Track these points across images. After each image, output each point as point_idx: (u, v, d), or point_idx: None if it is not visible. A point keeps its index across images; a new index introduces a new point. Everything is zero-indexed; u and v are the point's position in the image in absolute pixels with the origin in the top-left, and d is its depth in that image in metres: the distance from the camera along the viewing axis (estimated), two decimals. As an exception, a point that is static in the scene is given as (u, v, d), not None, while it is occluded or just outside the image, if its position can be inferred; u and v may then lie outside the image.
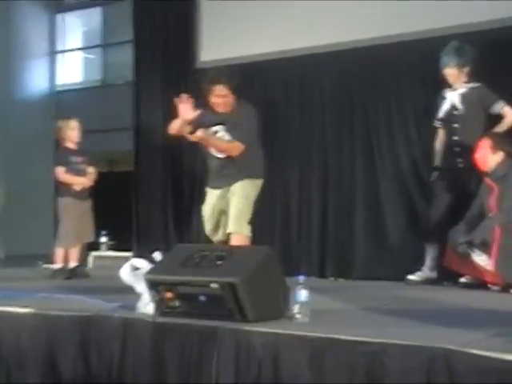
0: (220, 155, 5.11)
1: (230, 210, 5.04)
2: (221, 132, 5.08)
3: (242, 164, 5.06)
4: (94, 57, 11.29)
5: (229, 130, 5.04)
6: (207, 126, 5.06)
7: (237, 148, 5.01)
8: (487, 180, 5.10)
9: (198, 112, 4.95)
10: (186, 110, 4.92)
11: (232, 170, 5.07)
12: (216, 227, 5.20)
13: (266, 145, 5.43)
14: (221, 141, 5.07)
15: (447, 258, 5.16)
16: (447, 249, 5.15)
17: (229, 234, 5.00)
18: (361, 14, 6.27)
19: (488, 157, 5.06)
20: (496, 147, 5.04)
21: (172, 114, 7.35)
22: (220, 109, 5.04)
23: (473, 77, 5.38)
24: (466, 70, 5.34)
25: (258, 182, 5.17)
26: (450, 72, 5.35)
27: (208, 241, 5.34)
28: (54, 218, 7.24)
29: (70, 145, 6.21)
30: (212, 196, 5.22)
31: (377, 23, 6.21)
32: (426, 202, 5.74)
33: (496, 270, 4.82)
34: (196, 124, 5.01)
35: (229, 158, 5.07)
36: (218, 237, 5.21)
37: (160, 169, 7.62)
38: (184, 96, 4.95)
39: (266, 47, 6.75)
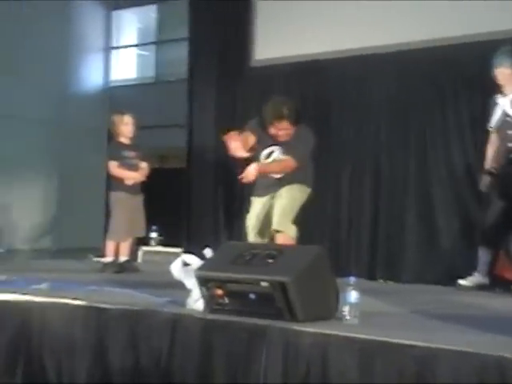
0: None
1: (275, 210, 5.04)
2: (276, 152, 5.13)
3: (291, 174, 5.11)
4: (148, 53, 11.43)
5: (284, 151, 5.08)
6: (263, 147, 5.12)
7: (289, 165, 5.05)
8: None
9: (248, 150, 4.96)
10: (237, 148, 4.87)
11: (281, 180, 5.12)
12: (261, 235, 5.17)
13: (319, 144, 5.42)
14: (274, 164, 5.10)
15: (500, 266, 5.07)
16: (500, 256, 5.06)
17: (273, 234, 5.00)
18: (419, 15, 6.21)
19: None
20: None
21: (225, 112, 7.49)
22: (281, 139, 5.09)
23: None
24: None
25: (307, 189, 5.19)
26: (503, 72, 5.21)
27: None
28: (105, 212, 7.33)
29: (124, 140, 6.26)
30: (257, 204, 5.23)
31: (435, 24, 6.14)
32: (480, 208, 5.65)
33: None
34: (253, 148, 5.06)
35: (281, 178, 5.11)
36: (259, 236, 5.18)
37: (212, 166, 7.65)
38: (233, 133, 4.88)
39: (321, 47, 6.73)
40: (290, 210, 5.06)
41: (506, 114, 5.26)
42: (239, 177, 5.03)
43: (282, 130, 5.04)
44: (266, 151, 5.16)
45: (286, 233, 4.96)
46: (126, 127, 6.23)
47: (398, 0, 6.35)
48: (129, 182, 6.15)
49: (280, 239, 4.95)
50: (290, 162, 5.05)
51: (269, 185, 5.18)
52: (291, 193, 5.09)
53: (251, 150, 5.11)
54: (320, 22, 6.80)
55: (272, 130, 5.06)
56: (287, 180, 5.13)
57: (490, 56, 5.36)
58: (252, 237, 5.23)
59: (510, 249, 4.90)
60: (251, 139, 5.08)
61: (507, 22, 5.75)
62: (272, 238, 5.07)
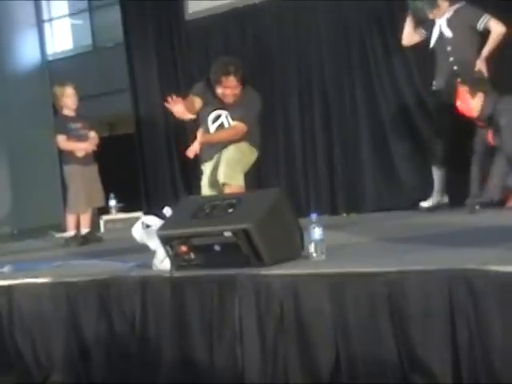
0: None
1: (220, 163, 4.97)
2: (223, 115, 5.07)
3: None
4: (82, 22, 11.18)
5: (232, 115, 5.02)
6: (210, 110, 5.05)
7: (239, 130, 4.99)
8: (478, 123, 5.04)
9: (194, 111, 4.91)
10: (181, 112, 4.78)
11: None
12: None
13: (264, 89, 5.37)
14: (223, 132, 5.03)
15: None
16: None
17: (221, 188, 4.93)
18: None
19: (470, 103, 4.98)
20: (474, 90, 4.95)
21: (167, 71, 7.38)
22: (228, 99, 5.02)
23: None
24: (439, 2, 5.25)
25: (254, 150, 5.11)
26: (433, 15, 5.32)
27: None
28: (62, 187, 7.24)
29: (68, 112, 6.17)
30: (207, 170, 5.12)
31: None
32: (430, 127, 5.68)
33: None
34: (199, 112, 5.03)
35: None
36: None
37: (162, 127, 7.57)
38: (172, 98, 4.73)
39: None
40: (236, 161, 4.98)
41: (442, 33, 5.33)
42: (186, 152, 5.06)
43: (229, 88, 4.97)
44: (212, 114, 5.09)
45: (234, 183, 4.90)
46: (68, 99, 6.13)
47: None
48: (80, 154, 6.07)
49: (228, 191, 4.87)
50: (238, 127, 4.99)
51: (216, 147, 5.08)
52: (237, 146, 5.03)
53: (198, 112, 5.04)
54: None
55: (219, 90, 4.99)
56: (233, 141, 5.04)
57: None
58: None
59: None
60: (197, 102, 5.00)
61: None
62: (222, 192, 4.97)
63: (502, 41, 5.14)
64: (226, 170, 4.91)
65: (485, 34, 5.18)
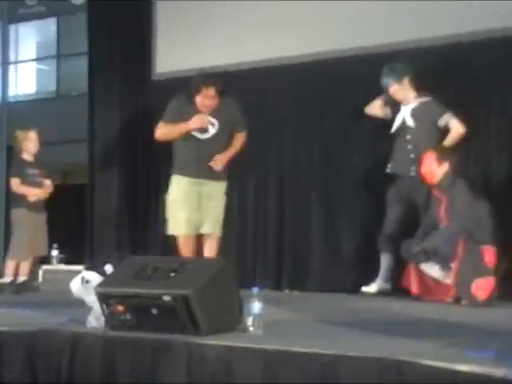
0: (203, 137, 5.45)
1: (210, 211, 5.41)
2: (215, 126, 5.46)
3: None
4: (48, 68, 11.18)
5: (217, 116, 5.44)
6: (189, 117, 5.40)
7: (244, 138, 5.60)
8: (435, 191, 5.18)
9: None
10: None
11: (211, 169, 5.41)
12: (193, 225, 5.40)
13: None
14: (238, 146, 5.55)
15: (406, 279, 5.20)
16: (408, 269, 5.18)
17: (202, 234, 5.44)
18: (316, 27, 6.32)
19: (434, 169, 5.13)
20: (441, 159, 5.11)
21: (127, 126, 7.39)
22: (206, 110, 5.41)
23: (424, 91, 5.47)
24: (406, 81, 5.46)
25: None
26: (392, 90, 5.52)
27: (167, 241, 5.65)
28: (5, 231, 7.10)
29: (27, 156, 6.14)
30: (183, 185, 5.43)
31: (331, 36, 6.26)
32: (380, 213, 5.77)
33: (454, 283, 4.86)
34: (178, 115, 5.45)
35: (216, 145, 5.46)
36: (191, 229, 5.40)
37: (115, 181, 7.53)
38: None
39: (222, 59, 6.72)
40: (222, 214, 5.52)
41: (404, 122, 5.50)
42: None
43: (209, 97, 5.36)
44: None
45: (218, 235, 5.49)
46: (30, 143, 6.12)
47: (294, 12, 6.43)
48: (32, 199, 6.00)
49: (214, 242, 5.46)
50: (245, 135, 5.59)
51: (199, 169, 5.40)
52: (222, 196, 5.52)
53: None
54: (221, 34, 6.80)
55: (199, 99, 5.37)
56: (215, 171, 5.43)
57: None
58: (184, 224, 5.39)
59: (410, 252, 5.02)
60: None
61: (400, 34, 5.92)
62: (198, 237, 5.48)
63: (460, 140, 5.31)
64: (216, 225, 5.46)
65: (445, 130, 5.36)
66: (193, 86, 5.42)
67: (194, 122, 5.39)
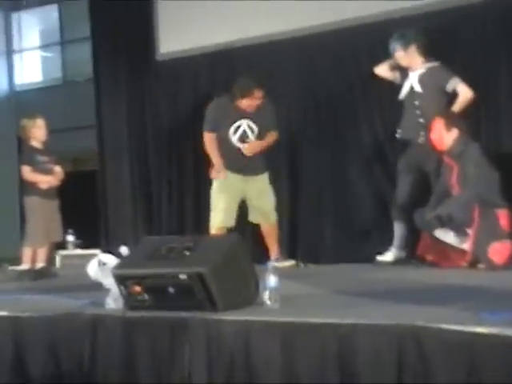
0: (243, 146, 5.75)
1: (265, 201, 5.81)
2: (243, 125, 5.76)
3: (259, 156, 5.82)
4: (52, 55, 11.17)
5: (255, 121, 5.76)
6: (231, 122, 5.74)
7: (275, 137, 5.89)
8: (446, 159, 5.16)
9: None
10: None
11: (253, 162, 5.77)
12: (233, 210, 5.74)
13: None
14: (267, 141, 5.82)
15: (422, 247, 5.21)
16: (423, 237, 5.19)
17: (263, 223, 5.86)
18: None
19: (443, 136, 5.11)
20: (450, 125, 5.09)
21: (135, 110, 7.39)
22: (252, 109, 5.74)
23: (431, 57, 5.44)
24: (413, 49, 5.42)
25: None
26: (398, 56, 5.48)
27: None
28: (20, 219, 7.15)
29: (36, 144, 6.15)
30: (228, 177, 5.72)
31: (337, 6, 6.21)
32: (392, 182, 5.77)
33: (472, 249, 4.86)
34: (218, 121, 5.75)
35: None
36: (230, 221, 5.70)
37: (126, 165, 7.56)
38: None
39: (227, 36, 6.72)
40: (273, 202, 5.87)
41: (412, 88, 5.47)
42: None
43: (258, 99, 5.69)
44: (233, 128, 5.74)
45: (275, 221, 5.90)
46: (38, 131, 6.12)
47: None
48: (43, 186, 6.03)
49: (274, 228, 5.89)
50: (275, 135, 5.87)
51: (242, 163, 5.74)
52: (269, 188, 5.86)
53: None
54: (224, 11, 6.77)
55: (247, 102, 5.67)
56: (257, 163, 5.80)
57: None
58: (222, 215, 5.71)
59: (424, 220, 5.02)
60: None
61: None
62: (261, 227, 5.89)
63: (469, 105, 5.28)
64: (274, 214, 5.85)
65: (453, 96, 5.33)
66: (243, 88, 5.68)
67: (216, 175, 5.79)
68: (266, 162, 5.91)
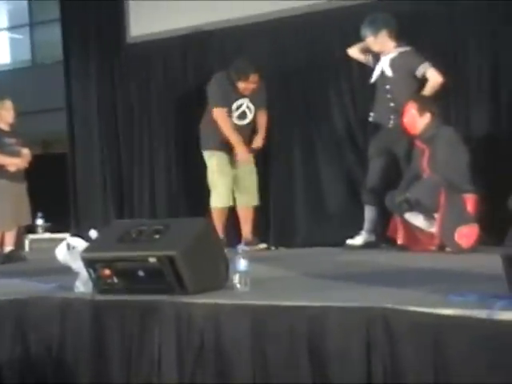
0: (242, 123, 5.99)
1: (248, 183, 5.99)
2: (244, 104, 5.99)
3: (251, 136, 6.01)
4: (21, 37, 11.04)
5: (253, 101, 5.98)
6: (232, 101, 5.92)
7: (266, 116, 6.10)
8: (418, 142, 5.20)
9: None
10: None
11: (246, 142, 5.95)
12: (231, 189, 5.98)
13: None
14: (265, 125, 6.07)
15: (392, 229, 5.25)
16: (394, 220, 5.22)
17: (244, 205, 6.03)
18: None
19: (416, 119, 5.15)
20: (423, 109, 5.12)
21: (105, 92, 7.33)
22: (248, 92, 5.95)
23: (403, 41, 5.46)
24: (383, 34, 5.44)
25: None
26: (369, 41, 5.50)
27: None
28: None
29: (4, 126, 6.09)
30: (223, 160, 5.94)
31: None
32: (362, 166, 5.80)
33: (439, 232, 4.91)
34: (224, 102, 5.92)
35: (251, 128, 6.04)
36: (229, 201, 5.96)
37: (96, 148, 7.49)
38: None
39: (197, 19, 6.66)
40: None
41: (383, 72, 5.49)
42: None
43: (254, 82, 5.91)
44: (235, 105, 5.94)
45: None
46: (6, 113, 6.08)
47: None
48: (11, 169, 5.98)
49: (252, 211, 6.04)
50: (265, 114, 6.09)
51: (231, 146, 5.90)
52: (255, 169, 6.05)
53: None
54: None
55: (244, 84, 5.88)
56: (247, 146, 5.95)
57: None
58: (221, 194, 5.92)
59: (394, 202, 5.05)
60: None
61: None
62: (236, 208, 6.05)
63: (439, 90, 5.31)
64: (256, 195, 6.03)
65: (423, 80, 5.35)
66: (239, 71, 5.87)
67: (241, 154, 5.93)
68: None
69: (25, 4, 10.63)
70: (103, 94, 7.43)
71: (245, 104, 5.99)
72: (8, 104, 6.09)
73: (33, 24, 10.65)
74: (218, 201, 5.95)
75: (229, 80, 5.94)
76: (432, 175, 5.03)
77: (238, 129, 5.97)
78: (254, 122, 6.08)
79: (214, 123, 5.95)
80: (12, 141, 6.07)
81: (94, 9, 7.40)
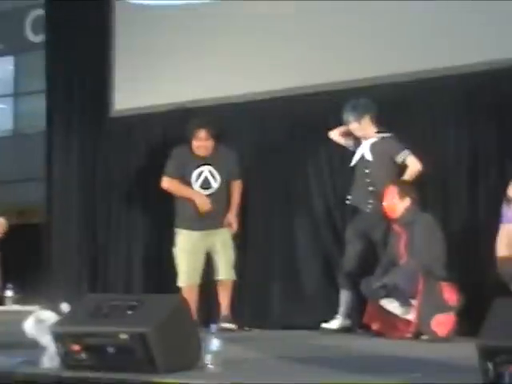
0: (206, 193, 5.81)
1: (222, 256, 5.81)
2: (205, 171, 5.84)
3: (223, 208, 5.86)
4: (5, 106, 11.09)
5: (218, 169, 5.83)
6: (192, 169, 5.82)
7: (240, 187, 5.98)
8: (396, 227, 5.22)
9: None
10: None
11: (214, 216, 5.79)
12: (198, 268, 5.82)
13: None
14: (238, 198, 5.93)
15: (367, 316, 5.20)
16: (369, 306, 5.19)
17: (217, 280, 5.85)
18: (279, 65, 6.33)
19: (396, 204, 5.18)
20: (403, 193, 5.17)
21: (86, 164, 7.33)
22: (200, 152, 5.80)
23: (384, 127, 5.55)
24: (366, 120, 5.52)
25: None
26: (352, 127, 5.58)
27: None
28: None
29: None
30: (188, 238, 5.81)
31: (290, 74, 6.30)
32: (340, 248, 5.79)
33: (416, 321, 4.87)
34: (181, 170, 5.83)
35: (219, 197, 5.85)
36: (195, 279, 5.80)
37: (74, 220, 7.43)
38: None
39: (182, 95, 6.73)
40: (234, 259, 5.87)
41: (363, 156, 5.56)
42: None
43: (202, 140, 5.76)
44: (195, 173, 5.84)
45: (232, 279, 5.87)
46: None
47: (258, 48, 6.46)
48: None
49: (228, 286, 5.85)
50: (240, 184, 5.98)
51: (206, 220, 5.78)
52: (230, 242, 5.88)
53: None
54: (180, 71, 6.81)
55: (194, 144, 5.78)
56: (219, 217, 5.83)
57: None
58: (185, 273, 5.80)
59: (370, 288, 5.03)
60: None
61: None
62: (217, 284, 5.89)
63: (418, 177, 5.38)
64: (231, 270, 5.83)
65: (402, 166, 5.42)
66: (188, 130, 5.83)
67: (199, 203, 5.77)
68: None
69: (11, 75, 10.72)
70: (84, 166, 7.43)
71: (206, 171, 5.86)
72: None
73: (17, 94, 10.73)
74: (182, 279, 5.84)
75: (190, 149, 5.86)
76: (410, 261, 5.03)
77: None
78: (224, 192, 5.92)
79: (178, 199, 5.91)
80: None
81: (79, 82, 7.49)
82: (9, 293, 7.15)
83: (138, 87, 7.04)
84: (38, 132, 8.45)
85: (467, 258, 5.32)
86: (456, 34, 5.66)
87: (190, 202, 5.81)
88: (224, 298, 5.89)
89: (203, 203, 5.77)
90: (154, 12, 7.03)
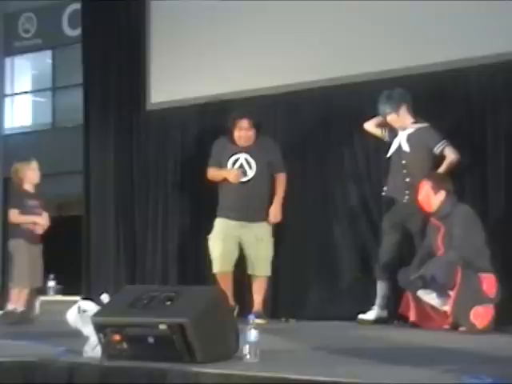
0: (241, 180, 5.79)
1: (253, 251, 5.79)
2: (242, 158, 5.84)
3: (262, 202, 5.84)
4: (44, 100, 11.23)
5: (254, 158, 5.81)
6: (228, 156, 5.85)
7: (285, 180, 5.94)
8: (433, 220, 5.18)
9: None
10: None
11: (254, 207, 5.78)
12: (229, 264, 5.83)
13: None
14: (282, 190, 5.90)
15: (404, 306, 5.20)
16: (405, 297, 5.18)
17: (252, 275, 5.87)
18: (309, 57, 6.36)
19: (431, 197, 5.15)
20: (437, 187, 5.13)
21: (123, 158, 7.41)
22: (242, 142, 5.83)
23: (422, 117, 5.51)
24: (403, 110, 5.49)
25: None
26: (390, 118, 5.55)
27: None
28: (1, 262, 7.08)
29: (29, 187, 6.16)
30: (225, 227, 5.83)
31: (325, 65, 6.31)
32: (376, 240, 5.78)
33: (452, 311, 4.85)
34: (219, 157, 5.90)
35: (256, 186, 5.82)
36: (227, 267, 5.82)
37: (111, 212, 7.53)
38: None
39: (217, 88, 6.78)
40: (271, 254, 5.88)
41: (400, 147, 5.53)
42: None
43: (244, 129, 5.78)
44: (230, 160, 5.85)
45: (267, 276, 5.88)
46: (33, 173, 6.18)
47: (289, 40, 6.48)
48: (32, 228, 6.01)
49: (262, 282, 5.85)
50: (284, 178, 5.94)
51: (240, 210, 5.77)
52: (269, 236, 5.86)
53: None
54: (215, 63, 6.85)
55: (236, 134, 5.80)
56: (255, 210, 5.79)
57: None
58: (218, 259, 5.82)
59: (407, 279, 5.02)
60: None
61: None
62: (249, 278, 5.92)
63: (456, 167, 5.35)
64: (268, 266, 5.84)
65: (439, 157, 5.40)
66: (229, 121, 5.87)
67: (231, 177, 5.80)
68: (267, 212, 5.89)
69: (49, 69, 10.86)
70: (120, 160, 7.51)
71: (241, 158, 5.85)
72: (34, 164, 6.18)
73: (55, 88, 10.85)
74: (214, 266, 5.88)
75: (229, 137, 5.90)
76: (448, 252, 5.01)
77: (240, 187, 5.80)
78: (262, 186, 5.89)
79: (220, 188, 5.95)
80: (34, 203, 6.14)
81: (116, 75, 7.57)
82: (51, 283, 7.31)
83: (174, 80, 7.09)
84: (77, 125, 8.56)
85: (507, 249, 5.28)
86: (493, 22, 5.61)
87: (230, 192, 5.84)
88: (257, 294, 5.89)
89: (234, 176, 5.76)
90: (191, 5, 7.07)
